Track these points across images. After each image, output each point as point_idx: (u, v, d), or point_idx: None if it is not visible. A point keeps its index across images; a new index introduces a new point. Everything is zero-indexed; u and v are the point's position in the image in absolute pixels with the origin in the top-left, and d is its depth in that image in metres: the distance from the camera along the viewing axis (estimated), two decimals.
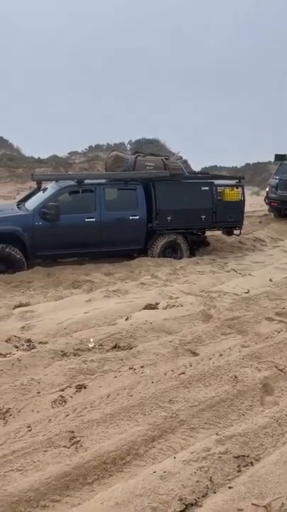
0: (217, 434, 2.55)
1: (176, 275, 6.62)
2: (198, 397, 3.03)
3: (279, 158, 12.35)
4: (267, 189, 12.36)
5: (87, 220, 7.05)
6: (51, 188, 7.33)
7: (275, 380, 3.30)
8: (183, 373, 3.37)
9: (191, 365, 3.53)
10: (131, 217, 7.37)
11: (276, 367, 3.47)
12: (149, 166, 7.64)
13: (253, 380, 3.23)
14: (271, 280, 6.21)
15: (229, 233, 8.70)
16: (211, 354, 3.75)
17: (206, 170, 19.01)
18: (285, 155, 12.13)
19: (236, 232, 8.54)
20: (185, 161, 8.84)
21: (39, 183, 7.44)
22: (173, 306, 4.99)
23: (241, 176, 8.85)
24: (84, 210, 7.11)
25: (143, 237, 7.54)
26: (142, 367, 3.51)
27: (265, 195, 12.54)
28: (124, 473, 2.36)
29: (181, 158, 8.83)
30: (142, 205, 7.44)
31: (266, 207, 12.91)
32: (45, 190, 7.38)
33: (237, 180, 8.52)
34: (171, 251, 7.80)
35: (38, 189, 7.49)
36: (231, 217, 8.17)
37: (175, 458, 2.34)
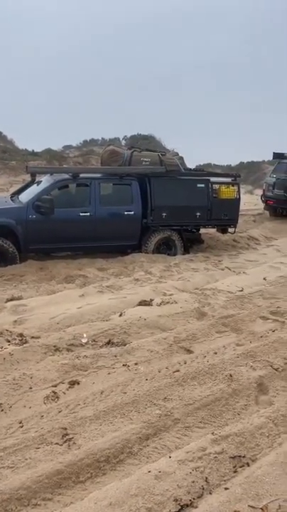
0: (212, 433, 2.52)
1: (170, 272, 6.58)
2: (193, 395, 3.00)
3: (277, 156, 12.33)
4: (264, 187, 12.36)
5: (81, 214, 6.98)
6: (45, 181, 7.24)
7: (271, 380, 3.27)
8: (178, 371, 3.33)
9: (185, 363, 3.49)
10: (125, 213, 7.31)
11: (271, 366, 3.44)
12: (145, 161, 7.58)
13: (248, 379, 3.20)
14: (265, 279, 6.19)
15: (224, 231, 8.66)
16: (205, 352, 3.72)
17: (200, 167, 18.96)
18: (283, 153, 12.11)
19: (230, 230, 8.52)
20: (181, 158, 8.79)
21: (33, 175, 7.34)
22: (167, 302, 4.95)
23: (237, 174, 8.82)
24: (79, 205, 7.05)
25: (138, 233, 7.49)
26: (136, 364, 3.46)
27: (261, 193, 12.54)
28: (118, 472, 2.31)
29: (177, 154, 8.79)
30: (137, 200, 7.38)
31: (260, 205, 12.92)
32: (39, 183, 7.29)
33: (233, 178, 8.49)
34: (165, 247, 7.76)
35: (32, 182, 7.40)
36: (226, 215, 8.14)
37: (170, 457, 2.30)
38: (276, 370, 3.39)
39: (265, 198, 12.12)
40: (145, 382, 3.16)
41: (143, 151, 8.01)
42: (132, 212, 7.34)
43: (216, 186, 8.03)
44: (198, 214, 7.85)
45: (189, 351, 3.78)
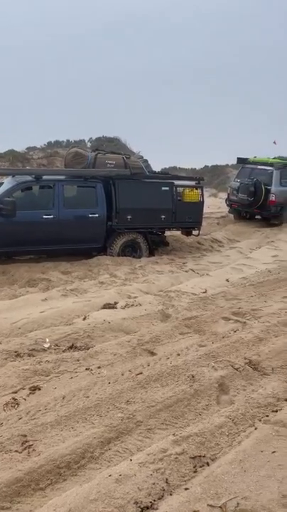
0: (173, 434, 2.54)
1: (135, 274, 6.59)
2: (155, 397, 3.01)
3: (241, 161, 12.61)
4: (228, 191, 12.61)
5: (44, 216, 6.88)
6: (8, 182, 7.10)
7: (231, 379, 3.33)
8: (141, 373, 3.34)
9: (149, 365, 3.50)
10: (90, 215, 7.26)
11: (232, 366, 3.50)
12: (110, 163, 7.56)
13: (209, 380, 3.24)
14: (227, 280, 6.31)
15: (188, 233, 8.77)
16: (169, 354, 3.74)
17: (166, 170, 19.08)
18: (247, 158, 12.39)
19: (194, 232, 8.62)
20: (146, 161, 8.82)
21: None
22: (132, 305, 4.96)
23: (201, 177, 8.95)
24: (42, 207, 6.94)
25: (103, 236, 7.46)
26: (99, 367, 3.44)
27: (226, 197, 12.79)
28: (79, 477, 2.29)
29: (142, 157, 8.81)
30: (102, 203, 7.35)
31: (224, 208, 13.16)
32: (1, 184, 7.14)
33: (197, 182, 8.61)
34: (131, 250, 7.76)
35: None
36: (190, 217, 8.24)
37: (131, 460, 2.30)
38: (237, 369, 3.46)
39: (229, 202, 12.38)
40: (108, 386, 3.15)
41: (107, 153, 7.99)
42: (97, 215, 7.31)
43: (180, 189, 8.11)
44: (163, 217, 7.90)
45: (152, 353, 3.79)
